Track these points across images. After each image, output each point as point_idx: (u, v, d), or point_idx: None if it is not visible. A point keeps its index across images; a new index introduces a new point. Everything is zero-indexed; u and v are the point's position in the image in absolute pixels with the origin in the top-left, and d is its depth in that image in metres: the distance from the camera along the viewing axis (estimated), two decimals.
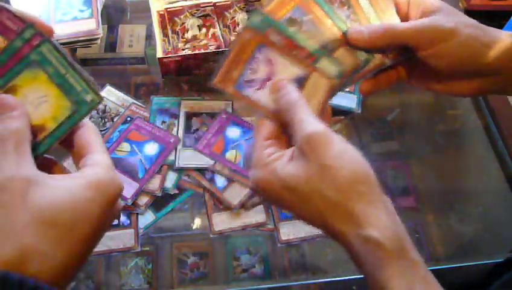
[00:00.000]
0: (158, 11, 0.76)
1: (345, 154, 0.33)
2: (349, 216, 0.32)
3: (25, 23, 0.33)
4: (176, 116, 0.66)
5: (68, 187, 0.30)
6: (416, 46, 0.39)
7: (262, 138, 0.38)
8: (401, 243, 0.31)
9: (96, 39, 0.69)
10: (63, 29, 0.69)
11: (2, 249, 0.27)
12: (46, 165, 0.33)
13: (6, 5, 0.34)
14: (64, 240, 0.29)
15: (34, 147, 0.31)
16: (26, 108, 0.32)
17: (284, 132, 0.38)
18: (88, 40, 0.69)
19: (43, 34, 0.33)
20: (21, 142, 0.30)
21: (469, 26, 0.39)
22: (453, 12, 0.40)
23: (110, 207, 0.32)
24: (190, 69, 0.69)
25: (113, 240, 0.56)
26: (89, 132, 0.34)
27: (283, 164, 0.35)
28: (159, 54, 0.68)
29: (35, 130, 0.32)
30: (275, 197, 0.36)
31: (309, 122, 0.34)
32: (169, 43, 0.73)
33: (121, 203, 0.36)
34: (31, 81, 0.33)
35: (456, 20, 0.39)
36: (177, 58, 0.67)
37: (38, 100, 0.33)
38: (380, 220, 0.32)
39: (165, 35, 0.74)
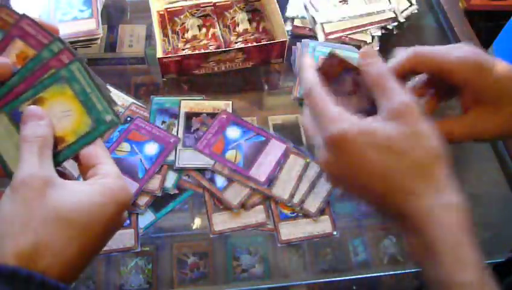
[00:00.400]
0: (158, 11, 0.76)
1: (432, 127, 0.35)
2: (432, 179, 0.33)
3: (51, 35, 0.38)
4: (175, 116, 0.66)
5: (85, 191, 0.33)
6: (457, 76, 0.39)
7: (327, 98, 0.37)
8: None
9: (96, 39, 0.69)
10: (63, 29, 0.68)
11: (16, 242, 0.29)
12: (58, 174, 0.35)
13: (26, 14, 0.38)
14: (76, 239, 0.31)
15: (53, 156, 0.34)
16: (51, 120, 0.35)
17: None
18: (88, 40, 0.69)
19: (73, 52, 0.38)
20: (45, 147, 0.34)
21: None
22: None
23: (120, 213, 0.34)
24: (190, 69, 0.69)
25: (113, 240, 0.55)
26: (96, 145, 0.37)
27: (369, 120, 0.35)
28: (159, 54, 0.68)
29: (56, 141, 0.35)
30: (352, 155, 0.34)
31: (403, 92, 0.35)
32: (169, 43, 0.73)
33: (126, 213, 0.37)
34: (57, 96, 0.36)
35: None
36: (177, 58, 0.67)
37: (62, 114, 0.36)
38: (456, 186, 0.34)
39: (165, 35, 0.74)
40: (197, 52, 0.69)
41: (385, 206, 0.35)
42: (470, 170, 0.68)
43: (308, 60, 0.40)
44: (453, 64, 0.39)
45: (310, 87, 0.38)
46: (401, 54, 0.40)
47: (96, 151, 0.36)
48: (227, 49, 0.68)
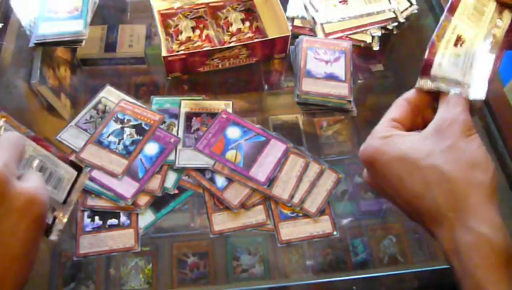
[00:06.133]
0: (159, 11, 0.76)
1: (479, 147, 0.33)
2: (461, 202, 0.30)
3: None
4: (176, 116, 0.66)
5: None
6: None
7: (391, 116, 0.38)
8: (511, 249, 0.30)
9: (81, 41, 0.69)
10: (49, 28, 0.69)
11: None
12: None
13: None
14: None
15: None
16: None
17: (414, 119, 0.39)
18: (73, 42, 0.69)
19: None
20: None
21: None
22: None
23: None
24: (195, 67, 0.70)
25: (113, 240, 0.56)
26: None
27: (405, 136, 0.35)
28: (164, 52, 0.68)
29: None
30: (384, 169, 0.34)
31: (462, 109, 0.35)
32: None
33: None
34: None
35: None
36: (181, 57, 0.67)
37: None
38: (494, 218, 0.30)
39: (168, 34, 0.74)
40: (199, 50, 0.69)
41: (412, 217, 0.35)
42: None
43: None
44: None
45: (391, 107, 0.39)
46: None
47: None
48: (231, 45, 0.68)
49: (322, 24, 0.75)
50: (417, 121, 0.39)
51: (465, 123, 0.34)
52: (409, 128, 0.38)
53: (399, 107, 0.39)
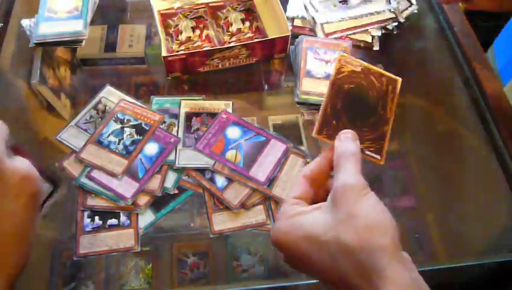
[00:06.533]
0: (159, 11, 0.76)
1: (374, 207, 0.33)
2: (367, 269, 0.31)
3: None
4: (176, 116, 0.66)
5: None
6: None
7: (292, 195, 0.39)
8: None
9: (81, 41, 0.69)
10: (49, 28, 0.69)
11: None
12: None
13: None
14: None
15: None
16: None
17: (316, 192, 0.39)
18: (73, 42, 0.69)
19: None
20: None
21: None
22: None
23: None
24: (195, 67, 0.70)
25: (113, 240, 0.56)
26: None
27: (306, 213, 0.36)
28: (164, 52, 0.68)
29: None
30: (292, 250, 0.36)
31: (351, 173, 0.35)
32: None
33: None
34: None
35: None
36: (181, 57, 0.67)
37: None
38: (401, 278, 0.30)
39: (168, 34, 0.74)
40: (198, 50, 0.69)
41: None
42: (470, 170, 0.68)
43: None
44: None
45: (290, 185, 0.42)
46: None
47: None
48: (231, 45, 0.68)
49: (322, 24, 0.75)
50: (320, 193, 0.40)
51: (356, 186, 0.34)
52: (314, 201, 0.39)
53: (298, 185, 0.39)
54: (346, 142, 0.39)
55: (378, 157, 0.41)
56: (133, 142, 0.62)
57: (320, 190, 0.40)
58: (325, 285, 0.35)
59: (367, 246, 0.31)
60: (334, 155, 0.38)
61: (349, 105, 0.43)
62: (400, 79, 0.45)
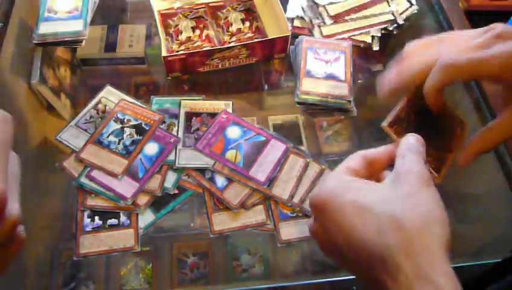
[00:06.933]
0: (159, 11, 0.76)
1: (436, 201, 0.32)
2: (418, 254, 0.29)
3: None
4: (176, 116, 0.66)
5: None
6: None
7: (346, 165, 0.37)
8: None
9: (81, 41, 0.69)
10: (49, 28, 0.69)
11: None
12: None
13: None
14: None
15: None
16: None
17: (368, 176, 0.38)
18: (73, 42, 0.69)
19: None
20: None
21: None
22: None
23: None
24: (195, 67, 0.70)
25: (113, 240, 0.56)
26: None
27: (360, 181, 0.35)
28: (164, 52, 0.68)
29: None
30: (334, 213, 0.33)
31: (417, 162, 0.34)
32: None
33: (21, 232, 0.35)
34: None
35: None
36: (181, 57, 0.67)
37: None
38: (450, 271, 0.29)
39: (168, 34, 0.74)
40: (199, 50, 0.69)
41: (363, 274, 0.33)
42: (470, 170, 0.68)
43: None
44: (494, 68, 0.36)
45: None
46: (435, 73, 0.38)
47: None
48: (231, 45, 0.68)
49: (319, 26, 0.75)
50: (371, 180, 0.38)
51: (422, 174, 0.33)
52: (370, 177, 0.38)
53: (355, 160, 0.38)
54: (415, 141, 0.37)
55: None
56: (133, 142, 0.62)
57: (372, 177, 0.38)
58: (355, 260, 0.33)
59: (424, 230, 0.30)
60: (399, 149, 0.37)
61: (421, 120, 0.43)
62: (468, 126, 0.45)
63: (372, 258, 0.31)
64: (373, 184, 0.35)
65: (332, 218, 0.33)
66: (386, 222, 0.31)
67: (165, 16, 0.76)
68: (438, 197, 0.33)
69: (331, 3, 0.76)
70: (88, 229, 0.56)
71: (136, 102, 0.67)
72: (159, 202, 0.59)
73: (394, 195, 0.32)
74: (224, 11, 0.78)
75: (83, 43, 0.70)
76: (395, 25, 0.76)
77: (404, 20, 0.77)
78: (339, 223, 0.33)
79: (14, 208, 0.33)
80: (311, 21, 0.76)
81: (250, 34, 0.75)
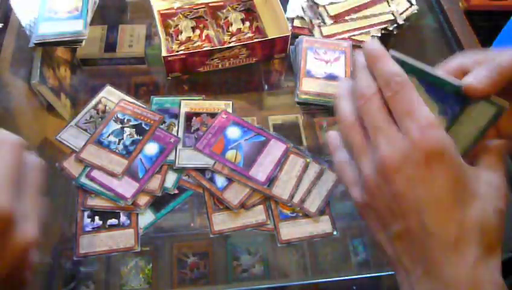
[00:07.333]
0: (159, 11, 0.76)
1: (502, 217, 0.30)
2: (491, 259, 0.28)
3: None
4: (176, 116, 0.66)
5: None
6: None
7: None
8: None
9: (81, 41, 0.69)
10: (49, 28, 0.69)
11: None
12: None
13: None
14: None
15: None
16: None
17: None
18: (73, 42, 0.69)
19: None
20: None
21: None
22: None
23: None
24: (195, 67, 0.70)
25: (113, 240, 0.56)
26: None
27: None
28: (164, 52, 0.68)
29: None
30: (415, 178, 0.28)
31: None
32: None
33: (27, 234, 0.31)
34: None
35: None
36: (181, 57, 0.67)
37: None
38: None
39: (168, 34, 0.74)
40: (199, 50, 0.69)
41: (408, 250, 0.30)
42: None
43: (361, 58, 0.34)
44: None
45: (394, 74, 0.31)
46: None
47: None
48: (231, 45, 0.68)
49: (319, 26, 0.75)
50: None
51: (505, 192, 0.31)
52: None
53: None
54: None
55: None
56: (133, 142, 0.62)
57: None
58: (396, 245, 0.30)
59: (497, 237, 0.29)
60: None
61: None
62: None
63: (432, 241, 0.28)
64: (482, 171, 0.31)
65: (408, 179, 0.28)
66: (476, 217, 0.29)
67: (165, 16, 0.76)
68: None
69: (331, 3, 0.76)
70: (88, 229, 0.56)
71: (136, 102, 0.67)
72: (159, 202, 0.59)
73: (490, 198, 0.30)
74: (224, 11, 0.78)
75: (83, 43, 0.70)
76: (395, 25, 0.76)
77: (404, 20, 0.77)
78: (413, 191, 0.28)
79: (28, 229, 0.30)
80: (311, 21, 0.76)
81: (250, 34, 0.75)
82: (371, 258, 0.59)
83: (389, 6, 0.78)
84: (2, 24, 0.72)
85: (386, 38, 0.76)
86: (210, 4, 0.78)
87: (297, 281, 0.56)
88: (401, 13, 0.78)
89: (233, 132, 0.64)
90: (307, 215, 0.58)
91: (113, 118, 0.64)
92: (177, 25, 0.75)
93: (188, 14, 0.77)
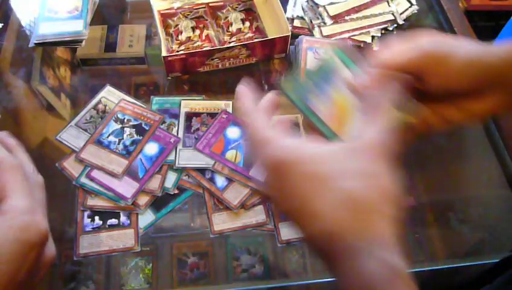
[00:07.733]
0: (159, 11, 0.76)
1: (391, 173, 0.31)
2: (371, 234, 0.28)
3: None
4: (176, 116, 0.66)
5: None
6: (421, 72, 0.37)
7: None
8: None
9: (81, 41, 0.69)
10: (49, 28, 0.69)
11: None
12: None
13: None
14: None
15: None
16: None
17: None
18: (73, 42, 0.69)
19: None
20: None
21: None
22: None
23: (27, 253, 0.31)
24: (195, 67, 0.70)
25: (113, 240, 0.56)
26: (5, 173, 0.33)
27: (310, 140, 0.33)
28: (164, 52, 0.68)
29: None
30: (294, 177, 0.30)
31: (382, 124, 0.33)
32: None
33: (53, 252, 0.36)
34: None
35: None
36: (181, 57, 0.67)
37: None
38: (402, 252, 0.28)
39: (168, 34, 0.74)
40: (198, 50, 0.69)
41: (311, 239, 0.30)
42: (470, 169, 0.68)
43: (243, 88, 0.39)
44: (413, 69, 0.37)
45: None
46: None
47: (3, 180, 0.33)
48: (231, 45, 0.68)
49: (319, 26, 0.75)
50: None
51: (387, 147, 0.32)
52: None
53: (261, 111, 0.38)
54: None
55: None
56: (133, 142, 0.62)
57: None
58: (306, 225, 0.31)
59: (378, 210, 0.29)
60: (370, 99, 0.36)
61: None
62: None
63: (322, 234, 0.29)
64: (331, 150, 0.32)
65: (288, 182, 0.31)
66: (339, 198, 0.29)
67: (165, 16, 0.76)
68: (396, 176, 0.31)
69: (331, 3, 0.76)
70: (88, 229, 0.56)
71: (136, 102, 0.67)
72: (159, 202, 0.59)
73: (352, 169, 0.30)
74: (224, 11, 0.78)
75: (83, 43, 0.70)
76: (395, 25, 0.76)
77: (404, 20, 0.77)
78: (295, 188, 0.30)
79: (49, 244, 0.35)
80: (311, 21, 0.76)
81: (250, 34, 0.75)
82: None
83: (389, 6, 0.78)
84: (2, 24, 0.72)
85: (386, 38, 0.76)
86: (210, 4, 0.78)
87: (297, 281, 0.56)
88: (401, 13, 0.78)
89: (233, 132, 0.64)
90: None
91: (113, 118, 0.64)
92: (177, 25, 0.75)
93: (188, 14, 0.77)
